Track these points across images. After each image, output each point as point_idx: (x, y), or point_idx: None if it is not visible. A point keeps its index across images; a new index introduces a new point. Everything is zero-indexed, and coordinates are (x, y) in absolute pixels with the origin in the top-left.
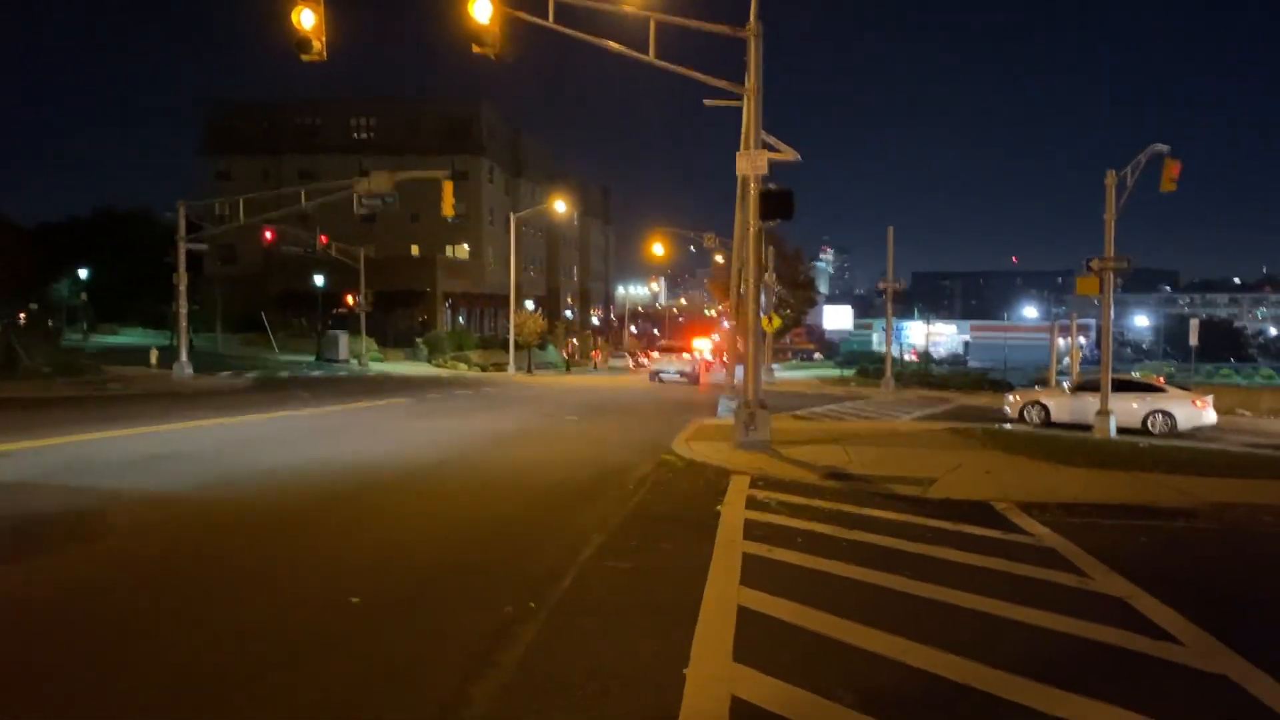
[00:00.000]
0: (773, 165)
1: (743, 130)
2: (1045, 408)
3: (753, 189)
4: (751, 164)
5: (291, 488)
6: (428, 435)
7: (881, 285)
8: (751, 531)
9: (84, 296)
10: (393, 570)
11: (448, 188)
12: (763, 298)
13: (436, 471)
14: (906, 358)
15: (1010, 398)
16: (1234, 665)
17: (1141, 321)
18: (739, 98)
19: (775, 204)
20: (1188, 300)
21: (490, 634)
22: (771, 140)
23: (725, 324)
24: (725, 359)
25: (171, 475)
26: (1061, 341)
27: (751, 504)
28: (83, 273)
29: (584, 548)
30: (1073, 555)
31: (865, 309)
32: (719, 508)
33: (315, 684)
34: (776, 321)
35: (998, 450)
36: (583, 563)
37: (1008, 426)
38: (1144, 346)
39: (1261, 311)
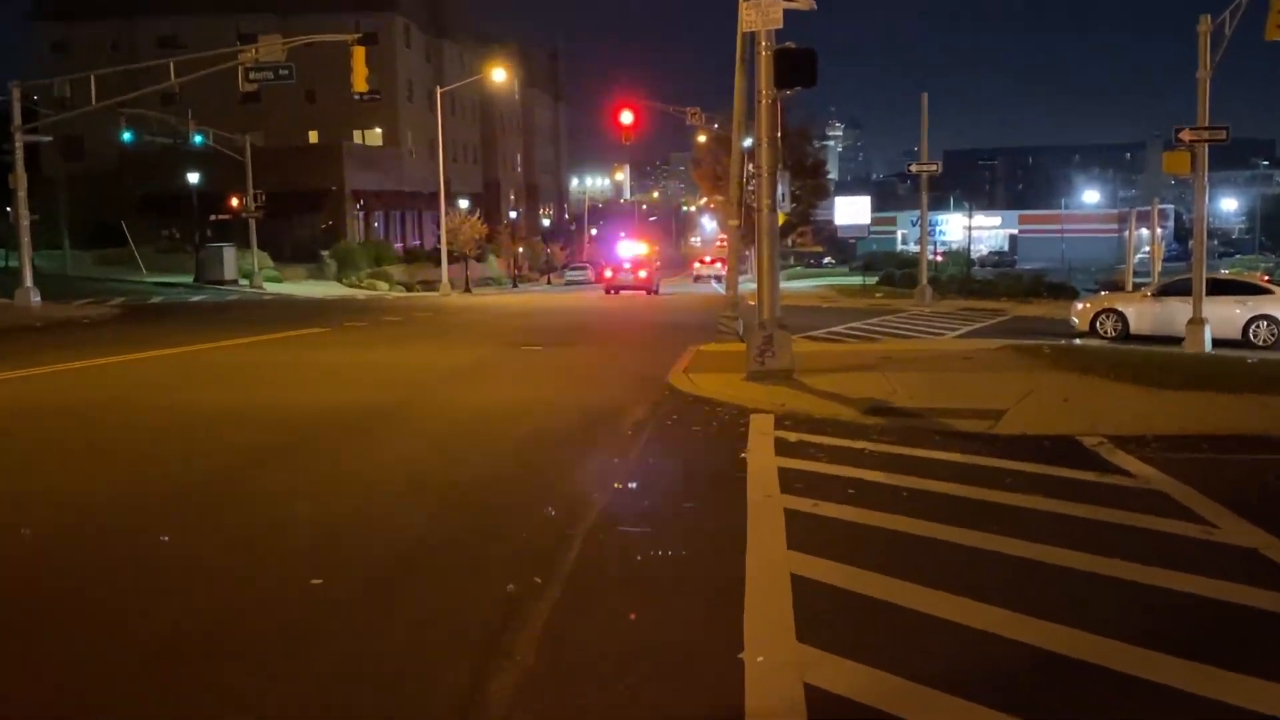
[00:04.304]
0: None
1: None
2: (1122, 317)
3: (763, 48)
4: (762, 15)
5: (208, 442)
6: (360, 373)
7: (913, 168)
8: (789, 483)
9: None
10: (354, 544)
11: (359, 55)
12: (780, 188)
13: (383, 420)
14: (937, 259)
15: (1078, 306)
16: None
17: (1229, 205)
18: None
19: (794, 67)
20: None
21: (495, 617)
22: None
23: (705, 221)
24: (721, 266)
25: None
26: (1140, 232)
27: (782, 448)
28: None
29: (587, 510)
30: (1188, 499)
31: (884, 198)
32: (743, 455)
33: (287, 692)
34: (782, 218)
35: (1073, 372)
36: (589, 528)
37: (1078, 342)
38: (1233, 236)
39: None
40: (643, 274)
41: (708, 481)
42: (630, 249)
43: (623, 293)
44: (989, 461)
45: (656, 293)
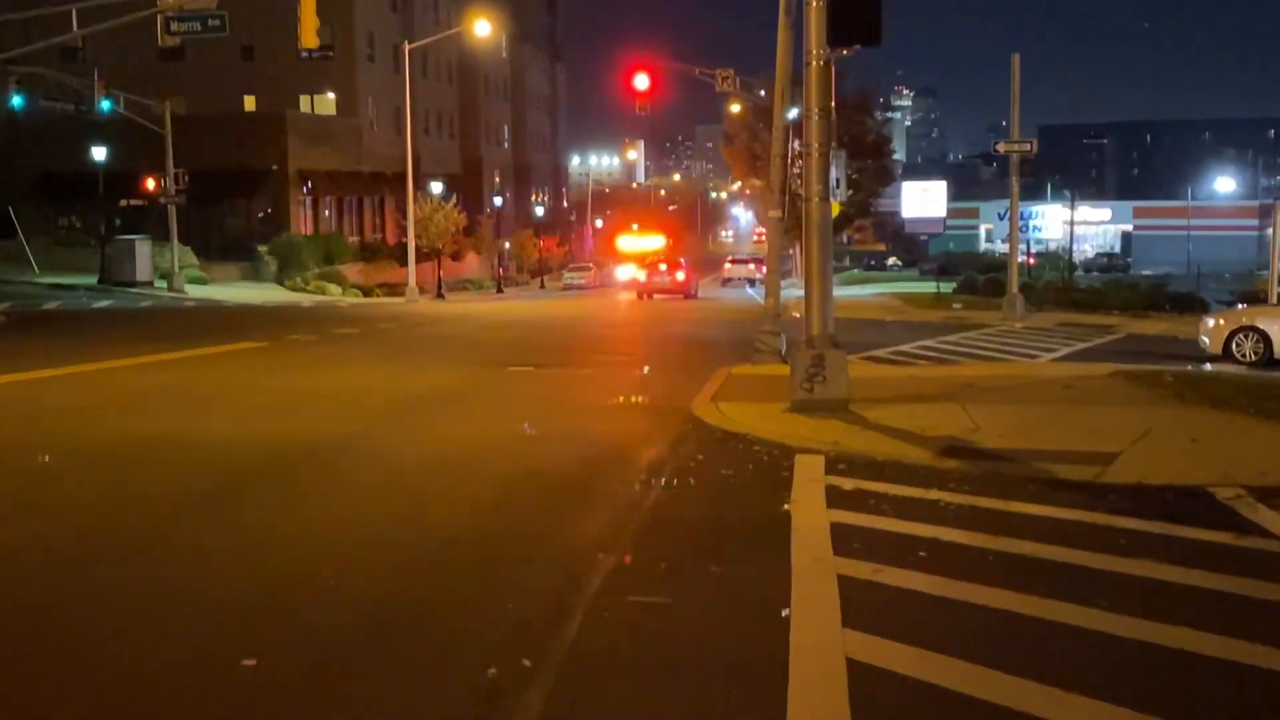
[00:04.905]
0: None
1: None
2: (1264, 337)
3: None
4: None
5: (113, 485)
6: (306, 400)
7: (1001, 148)
8: (845, 542)
9: None
10: (296, 614)
11: (308, 2)
12: (834, 171)
13: (334, 458)
14: (1030, 262)
15: (1208, 322)
16: None
17: None
18: None
19: (852, 20)
20: None
21: (472, 711)
22: None
23: (738, 211)
24: (756, 268)
25: None
26: None
27: (835, 498)
28: None
29: (589, 574)
30: None
31: (963, 185)
32: (787, 506)
33: None
34: (836, 208)
35: (1202, 405)
36: (592, 597)
37: (1208, 367)
38: None
39: None
40: (680, 276)
41: (741, 539)
42: (635, 244)
43: (656, 297)
44: (1096, 518)
45: (695, 296)
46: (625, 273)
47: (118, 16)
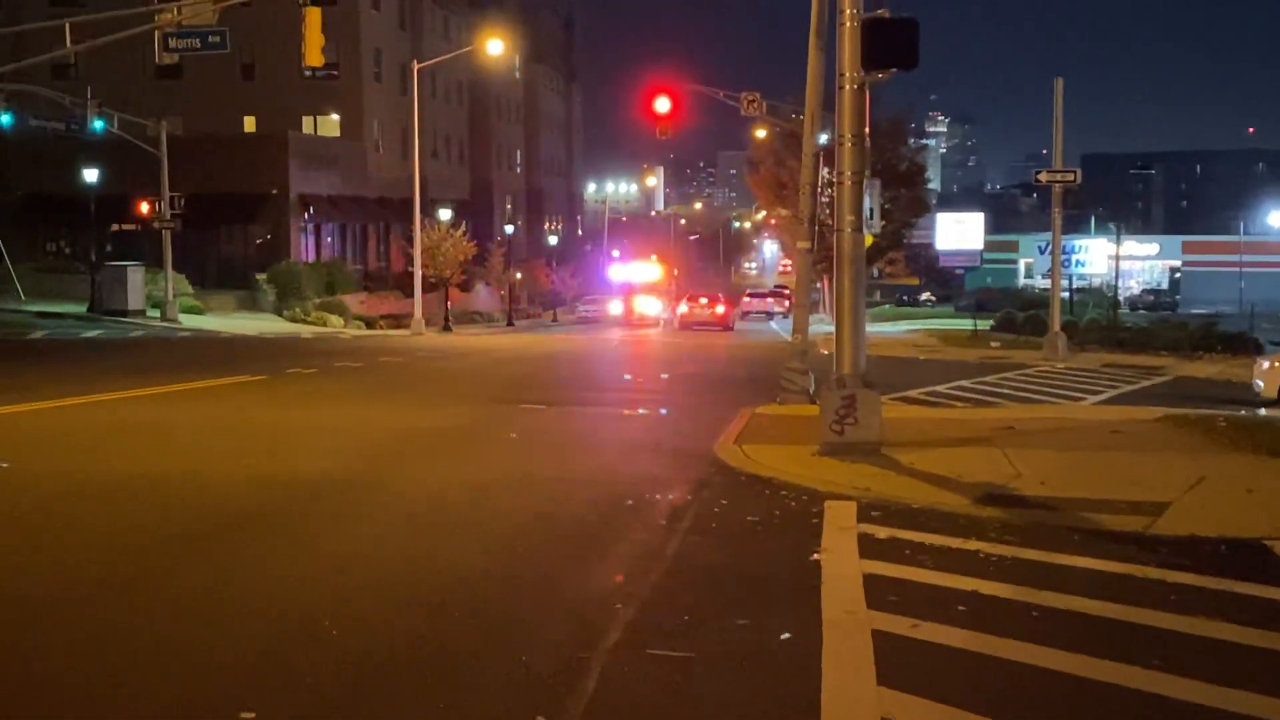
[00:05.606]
0: None
1: None
2: None
3: (848, 16)
4: None
5: (102, 525)
6: (307, 436)
7: (1042, 177)
8: (879, 595)
9: None
10: (297, 662)
11: (312, 19)
12: (867, 201)
13: (335, 498)
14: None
15: (1263, 365)
16: None
17: None
18: None
19: (888, 43)
20: None
21: None
22: None
23: (764, 242)
24: (775, 302)
25: None
26: None
27: (868, 547)
28: None
29: (607, 626)
30: None
31: (1001, 217)
32: (817, 555)
33: None
34: (868, 239)
35: (1259, 453)
36: (610, 650)
37: (1263, 412)
38: None
39: None
40: (719, 310)
41: (768, 591)
42: (628, 272)
43: (696, 330)
44: (1146, 571)
45: (732, 329)
46: (616, 307)
47: (113, 32)
